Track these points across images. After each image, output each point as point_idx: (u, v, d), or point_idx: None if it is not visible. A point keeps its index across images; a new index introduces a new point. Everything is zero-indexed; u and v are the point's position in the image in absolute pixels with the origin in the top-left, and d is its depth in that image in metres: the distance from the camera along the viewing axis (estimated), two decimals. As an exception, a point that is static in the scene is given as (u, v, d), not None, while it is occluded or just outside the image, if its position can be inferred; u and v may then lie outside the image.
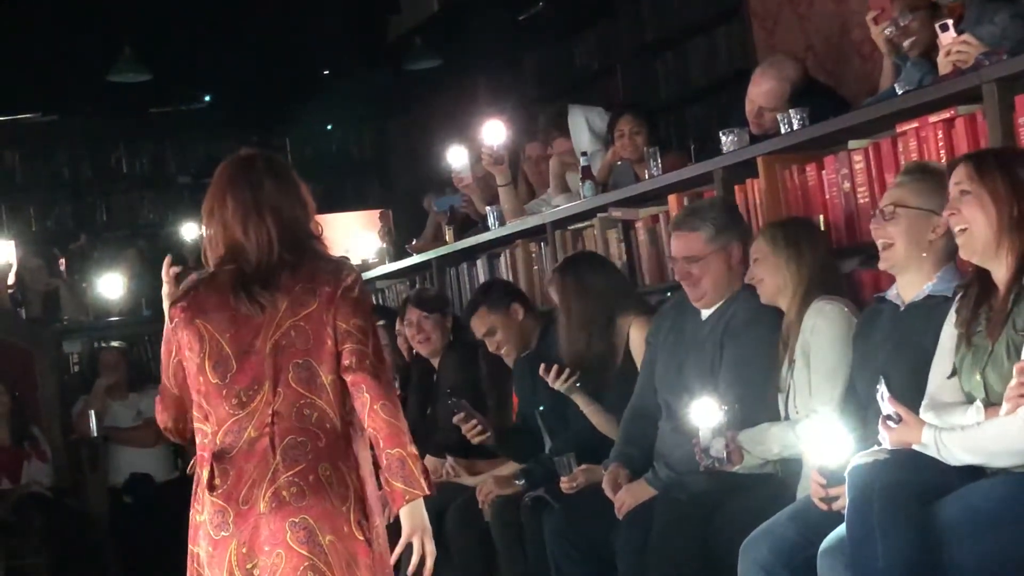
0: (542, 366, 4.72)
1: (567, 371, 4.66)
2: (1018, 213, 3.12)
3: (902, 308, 3.54)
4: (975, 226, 3.17)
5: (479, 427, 5.02)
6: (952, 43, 3.71)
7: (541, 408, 4.98)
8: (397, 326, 6.15)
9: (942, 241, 3.46)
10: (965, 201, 3.19)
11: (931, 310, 3.44)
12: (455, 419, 5.06)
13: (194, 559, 3.19)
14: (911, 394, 3.30)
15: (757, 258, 3.93)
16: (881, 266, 3.59)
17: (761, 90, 4.90)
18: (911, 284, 3.53)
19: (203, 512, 3.12)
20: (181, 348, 3.20)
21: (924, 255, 3.49)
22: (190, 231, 9.50)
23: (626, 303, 4.71)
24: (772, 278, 3.89)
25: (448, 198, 7.11)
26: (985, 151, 3.35)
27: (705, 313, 4.24)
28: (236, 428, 3.10)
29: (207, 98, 10.76)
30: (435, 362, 5.79)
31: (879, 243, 3.54)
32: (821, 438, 3.39)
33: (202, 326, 3.16)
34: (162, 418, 3.33)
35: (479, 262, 6.37)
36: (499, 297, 5.18)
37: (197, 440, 3.19)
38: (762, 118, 4.85)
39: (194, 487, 3.19)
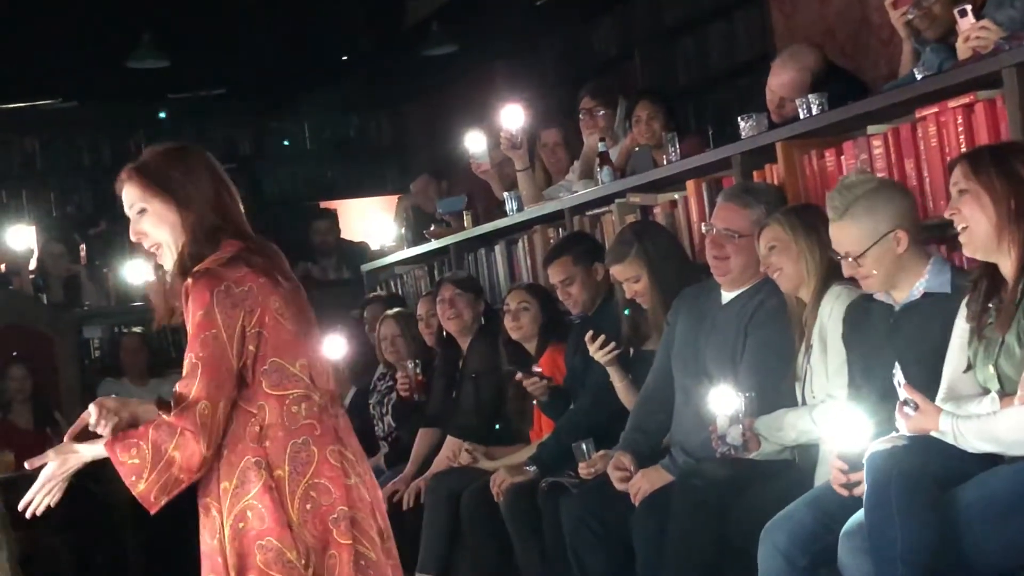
0: (589, 333, 4.72)
1: (612, 343, 4.67)
2: (1016, 206, 3.13)
3: (897, 308, 3.55)
4: (975, 223, 3.18)
5: (538, 379, 5.04)
6: (971, 28, 3.70)
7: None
8: (419, 310, 6.17)
9: (912, 247, 3.50)
10: (963, 200, 3.20)
11: (932, 308, 3.45)
12: (517, 376, 5.10)
13: (354, 526, 2.99)
14: (924, 391, 3.30)
15: (775, 246, 3.89)
16: (868, 290, 3.61)
17: (781, 81, 4.89)
18: (901, 287, 3.55)
19: (351, 476, 3.01)
20: (265, 316, 2.96)
21: (900, 267, 3.52)
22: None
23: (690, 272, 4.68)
24: (793, 266, 3.86)
25: (451, 200, 7.12)
26: (981, 148, 3.35)
27: (726, 297, 4.24)
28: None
29: (224, 86, 10.77)
30: (463, 344, 5.80)
31: (859, 280, 3.57)
32: (840, 423, 3.40)
33: (282, 293, 3.02)
34: (201, 449, 2.91)
35: (497, 248, 6.38)
36: (586, 251, 5.12)
37: (293, 412, 2.98)
38: (783, 108, 4.84)
39: (313, 460, 2.97)
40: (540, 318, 5.33)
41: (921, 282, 3.51)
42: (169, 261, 3.06)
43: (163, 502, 2.99)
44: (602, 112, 6.22)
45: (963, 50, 3.78)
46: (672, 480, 4.14)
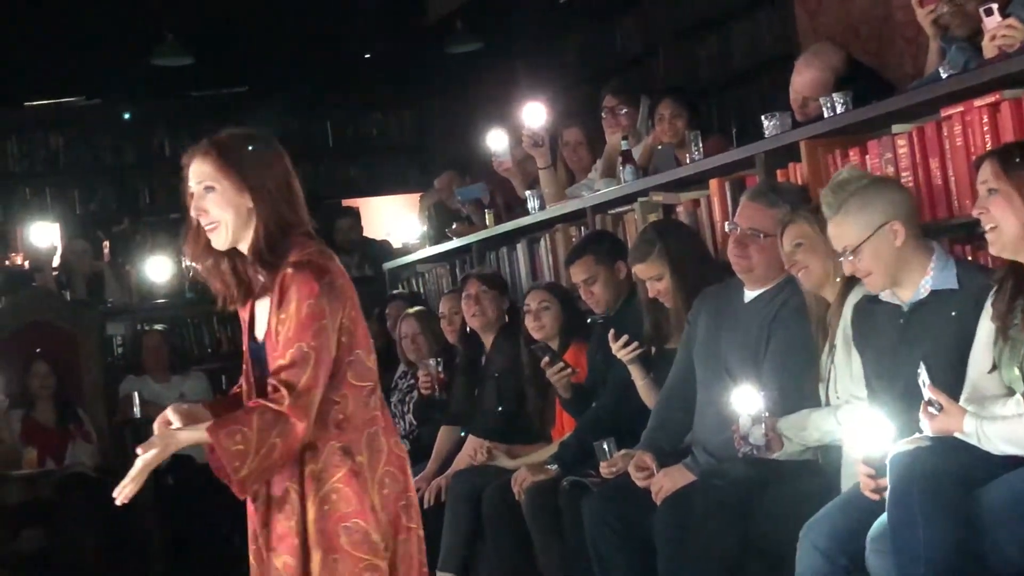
0: (611, 332, 4.71)
1: (634, 343, 4.66)
2: None
3: (905, 308, 3.52)
4: (1004, 224, 3.16)
5: (565, 369, 5.04)
6: (997, 27, 3.68)
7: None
8: (441, 308, 6.17)
9: (911, 240, 3.48)
10: (993, 200, 3.17)
11: (941, 304, 3.43)
12: (542, 363, 5.08)
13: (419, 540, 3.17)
14: (947, 390, 3.28)
15: (802, 243, 3.86)
16: (872, 290, 3.59)
17: (804, 80, 4.86)
18: (906, 286, 3.52)
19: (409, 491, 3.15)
20: (352, 310, 3.05)
21: (902, 263, 3.49)
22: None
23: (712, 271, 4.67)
24: (820, 264, 3.83)
25: (471, 188, 7.10)
26: (1010, 146, 3.32)
27: (748, 296, 4.22)
28: None
29: (247, 84, 10.79)
30: (486, 341, 5.79)
31: (860, 276, 3.55)
32: (861, 426, 3.38)
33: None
34: (302, 437, 2.97)
35: (519, 246, 6.37)
36: (608, 250, 5.11)
37: (367, 403, 3.08)
38: (807, 107, 4.82)
39: (384, 449, 3.09)
40: (561, 317, 5.32)
41: (927, 279, 3.49)
42: (222, 241, 3.07)
43: (254, 490, 3.05)
44: (624, 111, 6.21)
45: (989, 49, 3.76)
46: (694, 480, 4.12)
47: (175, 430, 3.01)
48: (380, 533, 3.03)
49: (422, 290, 7.41)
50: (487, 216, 6.74)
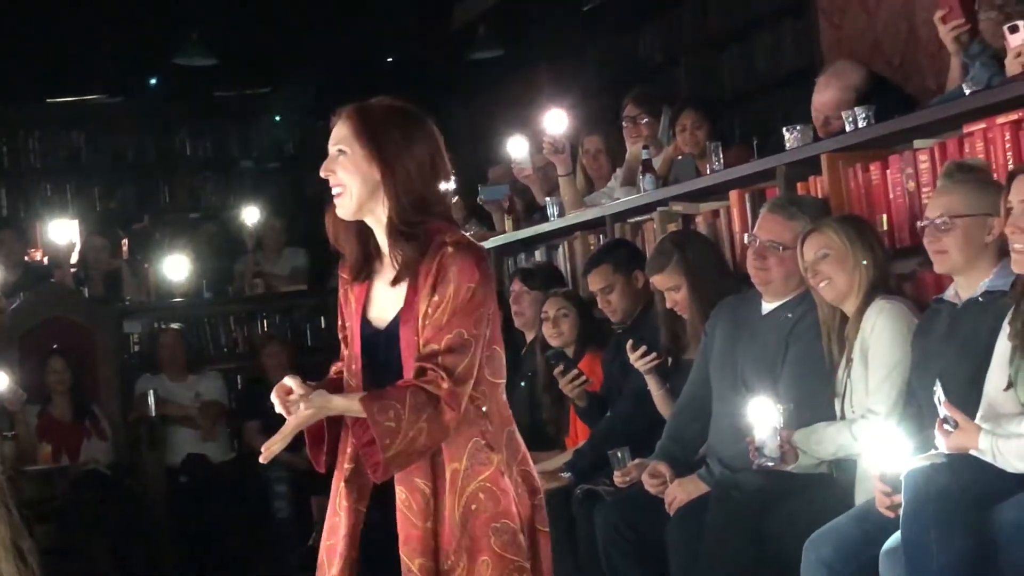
0: (629, 342, 4.71)
1: (653, 353, 4.66)
2: None
3: (959, 306, 3.51)
4: None
5: (578, 379, 5.03)
6: (1023, 44, 3.66)
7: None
8: None
9: (996, 244, 3.43)
10: (1019, 220, 3.13)
11: (988, 306, 3.41)
12: (555, 371, 5.07)
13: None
14: (971, 395, 3.28)
15: (828, 254, 3.83)
16: (937, 270, 3.56)
17: (824, 99, 4.85)
18: (969, 283, 3.50)
19: (540, 491, 2.99)
20: (492, 304, 2.93)
21: (980, 257, 3.46)
22: (251, 215, 9.57)
23: (730, 282, 4.66)
24: (845, 277, 3.80)
25: (497, 187, 7.09)
26: None
27: (766, 307, 4.21)
28: None
29: (270, 85, 10.81)
30: (528, 336, 5.76)
31: (931, 251, 3.51)
32: (878, 443, 3.37)
33: None
34: (449, 429, 2.81)
35: (537, 252, 6.37)
36: (626, 259, 5.11)
37: (501, 399, 2.96)
38: (829, 125, 4.80)
39: (519, 447, 2.98)
40: (579, 325, 5.32)
41: (986, 281, 3.46)
42: (346, 208, 2.90)
43: (390, 475, 2.79)
44: (646, 120, 6.21)
45: (1013, 66, 3.75)
46: (708, 491, 4.12)
47: (330, 395, 2.81)
48: (524, 533, 2.88)
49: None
50: (506, 221, 6.74)
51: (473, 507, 2.82)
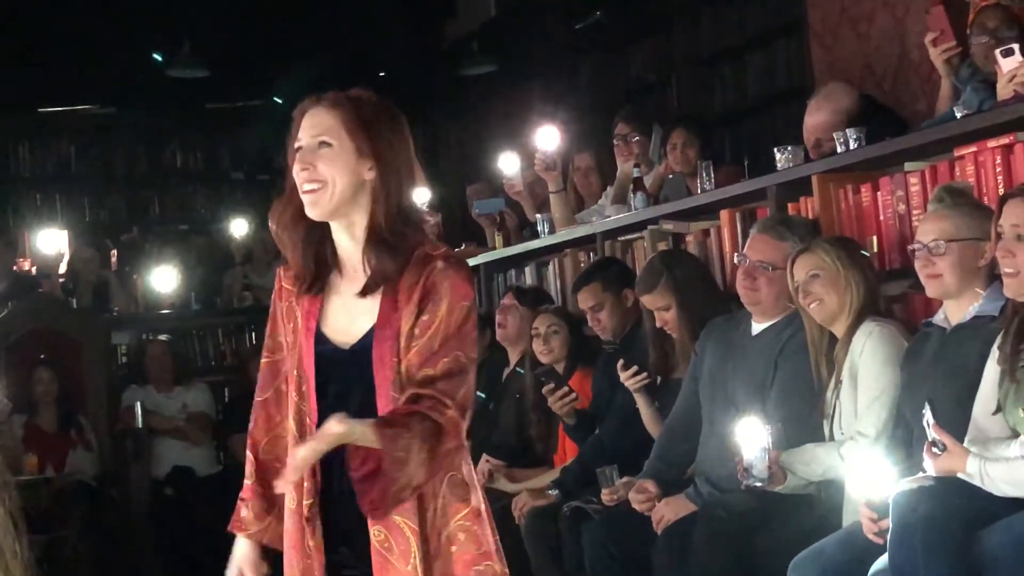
0: (620, 361, 4.71)
1: (643, 372, 4.66)
2: None
3: (948, 330, 3.51)
4: None
5: (567, 396, 5.02)
6: (1018, 67, 3.67)
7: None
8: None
9: (987, 269, 3.44)
10: (1022, 246, 3.12)
11: (977, 330, 3.41)
12: (544, 389, 5.06)
13: None
14: (959, 418, 3.28)
15: (819, 275, 3.82)
16: (929, 294, 3.57)
17: (815, 122, 4.87)
18: (959, 307, 3.50)
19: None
20: None
21: (972, 281, 3.46)
22: (240, 227, 9.56)
23: (720, 302, 4.66)
24: (837, 297, 3.80)
25: (492, 201, 7.09)
26: None
27: (756, 328, 4.22)
28: None
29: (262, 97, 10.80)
30: (512, 355, 5.75)
31: (923, 275, 3.51)
32: (865, 468, 3.37)
33: None
34: (452, 450, 2.55)
35: (527, 269, 6.37)
36: (616, 277, 5.11)
37: (464, 441, 2.63)
38: (821, 147, 4.82)
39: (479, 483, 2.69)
40: (569, 342, 5.31)
41: (975, 305, 3.47)
42: (322, 207, 2.57)
43: (389, 512, 2.50)
44: (637, 138, 6.22)
45: (1004, 90, 3.76)
46: (695, 510, 4.11)
47: (353, 421, 2.41)
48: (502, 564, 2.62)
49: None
50: (496, 238, 6.74)
51: (453, 548, 2.56)
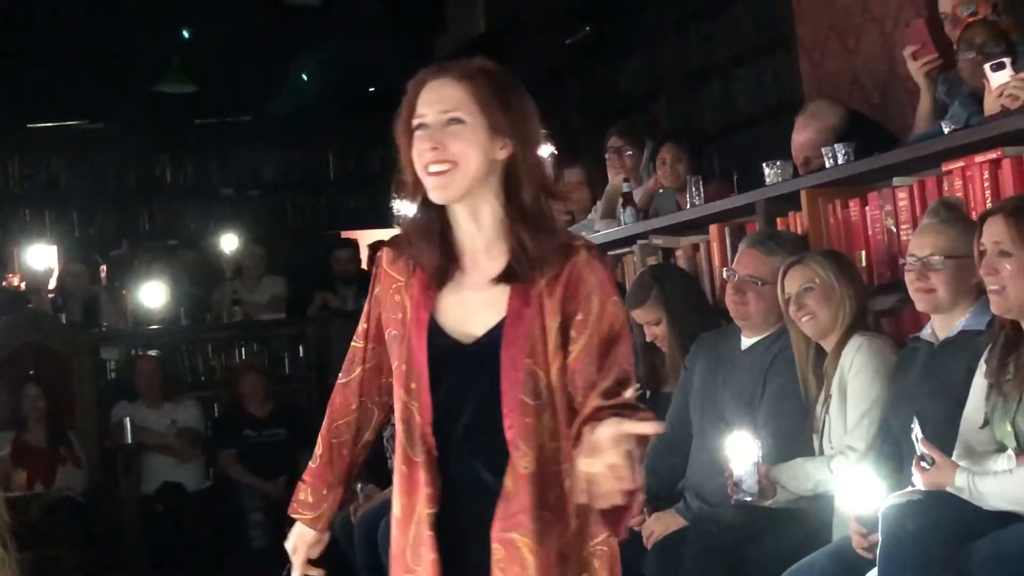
0: None
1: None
2: None
3: (936, 345, 3.52)
4: (1014, 289, 3.12)
5: None
6: (1011, 80, 3.69)
7: None
8: None
9: (978, 286, 3.44)
10: (1004, 263, 3.13)
11: (965, 345, 3.43)
12: None
13: None
14: (947, 432, 3.29)
15: (812, 288, 3.81)
16: (920, 308, 3.57)
17: (801, 140, 4.89)
18: (946, 321, 3.52)
19: None
20: None
21: (959, 297, 3.48)
22: (230, 242, 9.56)
23: (709, 316, 4.66)
24: (830, 312, 3.80)
25: None
26: (1021, 201, 3.25)
27: (746, 343, 4.22)
28: None
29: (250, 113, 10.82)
30: None
31: (913, 288, 3.52)
32: (854, 484, 3.38)
33: None
34: None
35: (517, 284, 6.35)
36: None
37: None
38: (809, 164, 4.83)
39: None
40: None
41: (962, 320, 3.48)
42: (454, 188, 2.34)
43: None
44: (630, 152, 6.23)
45: (991, 105, 3.78)
46: (685, 524, 4.11)
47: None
48: None
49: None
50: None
51: None
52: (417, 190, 2.39)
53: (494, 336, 2.33)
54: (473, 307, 2.36)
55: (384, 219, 12.08)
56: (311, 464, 2.56)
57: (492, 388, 2.31)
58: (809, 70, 6.56)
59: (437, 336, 2.36)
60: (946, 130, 4.01)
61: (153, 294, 9.03)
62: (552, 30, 9.02)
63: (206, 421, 8.38)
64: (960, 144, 3.83)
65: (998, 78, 3.78)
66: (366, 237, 10.68)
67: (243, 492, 7.84)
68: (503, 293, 2.34)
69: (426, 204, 2.39)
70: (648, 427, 2.11)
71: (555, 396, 2.31)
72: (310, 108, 10.30)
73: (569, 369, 2.31)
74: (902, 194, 4.07)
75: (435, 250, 2.38)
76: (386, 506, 5.54)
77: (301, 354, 8.79)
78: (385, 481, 6.16)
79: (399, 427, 2.39)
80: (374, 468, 5.63)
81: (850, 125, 4.83)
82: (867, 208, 4.22)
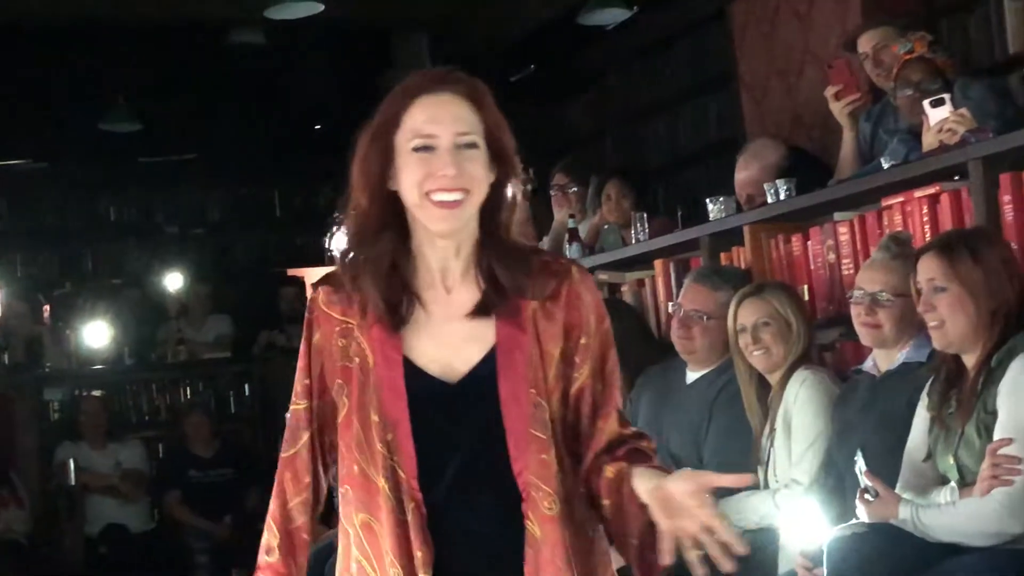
0: None
1: None
2: (995, 305, 3.12)
3: (878, 378, 3.56)
4: (952, 322, 3.16)
5: None
6: (949, 116, 3.75)
7: None
8: None
9: (920, 319, 3.48)
10: (940, 298, 3.17)
11: (906, 377, 3.46)
12: None
13: None
14: (891, 465, 3.31)
15: (770, 323, 3.82)
16: (865, 343, 3.61)
17: (744, 179, 4.95)
18: (888, 355, 3.55)
19: None
20: None
21: (903, 330, 3.52)
22: (175, 281, 9.50)
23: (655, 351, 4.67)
24: (784, 346, 3.81)
25: None
26: (955, 239, 3.27)
27: (691, 376, 4.24)
28: None
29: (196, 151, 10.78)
30: None
31: (860, 322, 3.55)
32: (799, 517, 3.40)
33: None
34: None
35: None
36: None
37: None
38: (752, 202, 4.88)
39: None
40: None
41: (903, 353, 3.52)
42: (457, 220, 2.10)
43: None
44: (574, 189, 6.26)
45: (930, 141, 3.84)
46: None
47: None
48: None
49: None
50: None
51: None
52: (380, 216, 2.13)
53: (486, 369, 2.10)
54: (451, 342, 2.12)
55: (330, 257, 12.02)
56: (267, 557, 2.21)
57: (489, 427, 2.09)
58: (751, 107, 6.63)
59: (413, 378, 2.10)
60: (885, 165, 4.07)
61: (97, 334, 8.95)
62: (497, 67, 9.06)
63: (151, 462, 8.30)
64: (899, 180, 3.89)
65: (936, 114, 3.84)
66: (312, 275, 10.66)
67: (188, 533, 7.76)
68: (486, 324, 2.12)
69: (380, 234, 2.13)
70: (735, 480, 2.01)
71: (555, 428, 2.12)
72: (255, 146, 10.28)
73: (573, 396, 2.14)
74: (843, 229, 4.12)
75: (385, 286, 2.11)
76: (330, 548, 5.51)
77: (247, 393, 8.74)
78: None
79: (383, 486, 2.09)
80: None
81: (791, 162, 4.88)
82: (809, 243, 4.26)
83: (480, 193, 2.10)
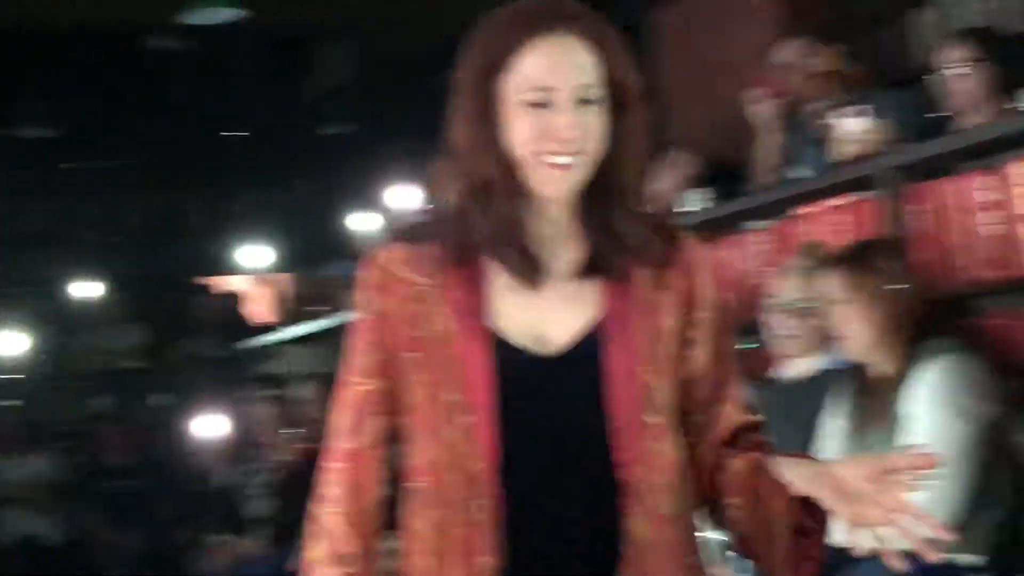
0: None
1: None
2: (897, 314, 3.16)
3: (790, 385, 3.59)
4: (856, 334, 3.20)
5: None
6: (861, 128, 3.79)
7: None
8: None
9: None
10: (842, 311, 3.21)
11: (817, 384, 3.50)
12: None
13: None
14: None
15: None
16: (778, 351, 3.64)
17: (660, 189, 4.98)
18: (800, 363, 3.59)
19: None
20: None
21: (821, 340, 3.55)
22: (92, 289, 9.41)
23: None
24: None
25: (345, 264, 7.07)
26: (857, 252, 3.30)
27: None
28: None
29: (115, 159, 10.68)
30: None
31: (775, 331, 3.58)
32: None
33: None
34: None
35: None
36: None
37: None
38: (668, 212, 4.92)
39: None
40: None
41: (815, 361, 3.56)
42: (571, 183, 1.75)
43: None
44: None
45: (841, 152, 3.88)
46: None
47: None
48: None
49: (287, 371, 7.33)
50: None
51: None
52: (491, 169, 1.78)
53: (590, 342, 1.77)
54: (546, 308, 1.79)
55: (239, 265, 11.92)
56: (345, 569, 1.84)
57: (589, 411, 1.76)
58: (676, 116, 6.68)
59: (498, 349, 1.76)
60: (799, 176, 4.11)
61: (14, 343, 8.84)
62: (421, 71, 9.06)
63: (66, 472, 8.20)
64: (812, 190, 3.92)
65: (848, 125, 3.88)
66: (229, 284, 10.60)
67: (102, 544, 7.67)
68: (590, 289, 1.79)
69: (509, 191, 1.78)
70: (921, 460, 1.69)
71: (669, 415, 1.82)
72: (175, 153, 10.21)
73: (687, 380, 1.84)
74: (758, 238, 4.15)
75: (521, 243, 1.78)
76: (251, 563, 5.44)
77: (163, 402, 8.67)
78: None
79: (427, 477, 1.81)
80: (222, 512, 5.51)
81: (708, 173, 4.93)
82: (723, 252, 4.29)
83: (597, 152, 1.77)
